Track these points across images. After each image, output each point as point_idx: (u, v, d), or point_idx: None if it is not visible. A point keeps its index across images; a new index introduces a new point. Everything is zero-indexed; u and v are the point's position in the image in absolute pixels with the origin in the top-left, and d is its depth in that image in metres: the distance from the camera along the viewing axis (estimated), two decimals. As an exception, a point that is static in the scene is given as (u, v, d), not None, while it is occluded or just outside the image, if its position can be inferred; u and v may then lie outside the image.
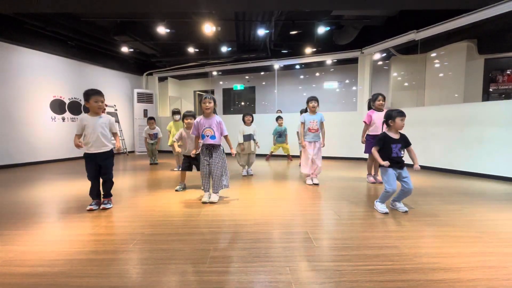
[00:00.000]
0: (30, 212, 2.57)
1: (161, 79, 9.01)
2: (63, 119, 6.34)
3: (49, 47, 5.96)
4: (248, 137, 4.18)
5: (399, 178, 2.43)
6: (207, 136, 2.78)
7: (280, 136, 6.00)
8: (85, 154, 2.60)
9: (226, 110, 10.09)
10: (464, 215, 2.39)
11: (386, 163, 2.38)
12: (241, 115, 4.31)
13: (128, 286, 1.36)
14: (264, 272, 1.46)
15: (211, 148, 2.84)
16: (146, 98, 8.27)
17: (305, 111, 3.76)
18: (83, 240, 1.91)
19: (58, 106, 6.20)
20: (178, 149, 3.29)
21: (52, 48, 6.02)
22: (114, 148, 2.72)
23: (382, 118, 3.21)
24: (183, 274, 1.46)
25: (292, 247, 1.76)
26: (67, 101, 6.41)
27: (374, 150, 2.52)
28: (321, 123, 3.62)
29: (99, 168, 2.62)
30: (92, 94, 2.55)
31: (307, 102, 3.64)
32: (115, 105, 7.71)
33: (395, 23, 5.51)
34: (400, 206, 2.50)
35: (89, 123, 2.55)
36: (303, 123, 3.64)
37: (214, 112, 2.88)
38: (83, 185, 3.69)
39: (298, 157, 6.03)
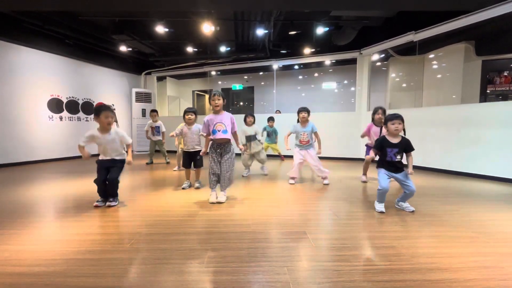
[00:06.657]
0: (27, 211, 2.55)
1: (160, 79, 8.98)
2: (61, 118, 6.30)
3: (47, 46, 5.91)
4: (249, 138, 4.19)
5: (399, 182, 2.46)
6: (219, 131, 2.72)
7: (268, 135, 5.82)
8: (97, 161, 2.69)
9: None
10: (461, 215, 2.40)
11: (368, 157, 2.52)
12: (240, 115, 4.28)
13: (125, 286, 1.35)
14: (262, 272, 1.46)
15: (222, 147, 2.81)
16: (144, 97, 8.25)
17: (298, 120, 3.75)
18: (80, 239, 1.90)
19: (55, 105, 6.16)
20: (180, 145, 3.36)
21: (50, 46, 5.97)
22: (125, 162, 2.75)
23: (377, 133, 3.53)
24: (180, 274, 1.45)
25: (290, 247, 1.76)
26: (64, 100, 6.37)
27: (371, 151, 2.62)
28: (314, 133, 3.63)
29: (107, 172, 2.66)
30: (104, 110, 2.56)
31: (298, 113, 3.64)
32: (113, 105, 7.66)
33: (394, 24, 5.53)
34: (407, 206, 2.52)
35: (100, 140, 2.58)
36: (291, 133, 3.68)
37: (224, 108, 2.86)
38: (80, 185, 3.68)
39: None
